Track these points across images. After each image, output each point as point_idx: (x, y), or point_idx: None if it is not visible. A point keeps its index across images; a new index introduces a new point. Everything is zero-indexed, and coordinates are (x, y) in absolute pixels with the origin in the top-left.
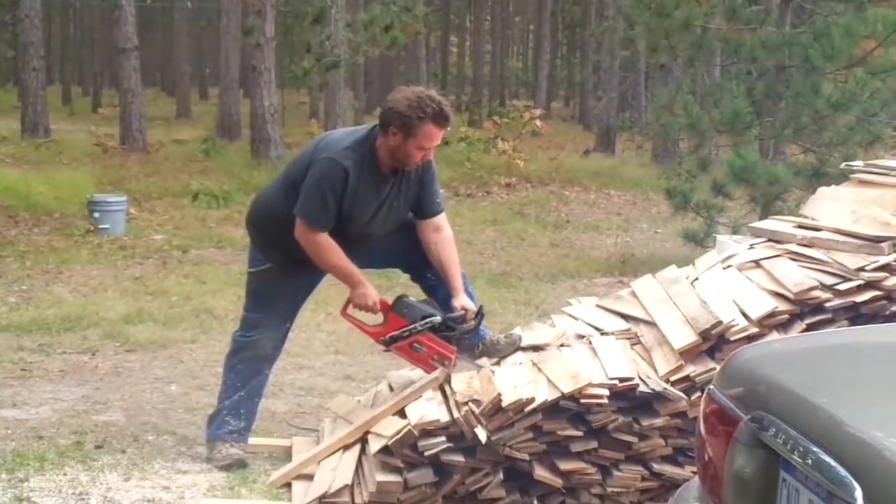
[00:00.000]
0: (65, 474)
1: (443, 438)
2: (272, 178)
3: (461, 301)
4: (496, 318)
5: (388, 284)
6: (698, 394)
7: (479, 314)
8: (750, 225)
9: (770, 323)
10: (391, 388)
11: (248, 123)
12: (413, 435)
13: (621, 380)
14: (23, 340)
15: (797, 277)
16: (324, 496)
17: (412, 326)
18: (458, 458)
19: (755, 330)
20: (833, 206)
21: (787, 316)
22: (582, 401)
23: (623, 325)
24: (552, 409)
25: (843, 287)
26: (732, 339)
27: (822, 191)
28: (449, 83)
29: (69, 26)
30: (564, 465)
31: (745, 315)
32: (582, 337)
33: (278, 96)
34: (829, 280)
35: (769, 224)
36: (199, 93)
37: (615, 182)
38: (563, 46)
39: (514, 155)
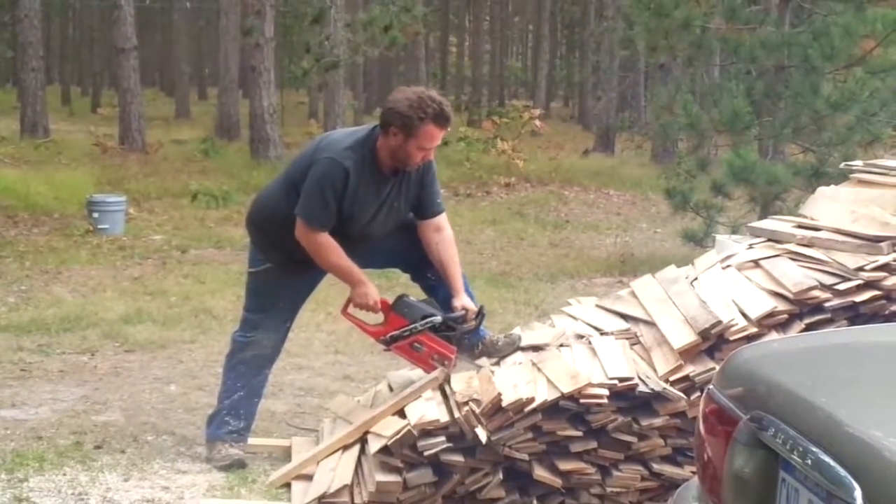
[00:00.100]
0: (64, 474)
1: (442, 438)
2: (271, 178)
3: (462, 301)
4: (496, 318)
5: (388, 284)
6: (698, 394)
7: (480, 314)
8: (749, 225)
9: (769, 323)
10: (391, 388)
11: (247, 123)
12: (413, 435)
13: (621, 380)
14: (22, 341)
15: (796, 277)
16: (323, 496)
17: (412, 326)
18: (458, 458)
19: (754, 330)
20: (832, 206)
21: (786, 316)
22: (581, 401)
23: (622, 325)
24: (552, 409)
25: (842, 287)
26: (732, 338)
27: (822, 190)
28: (448, 83)
29: (68, 26)
30: (564, 465)
31: (744, 315)
32: (581, 337)
33: (277, 96)
34: (829, 280)
35: (768, 224)
36: (199, 93)
37: (614, 182)
38: (562, 46)
39: (513, 155)
